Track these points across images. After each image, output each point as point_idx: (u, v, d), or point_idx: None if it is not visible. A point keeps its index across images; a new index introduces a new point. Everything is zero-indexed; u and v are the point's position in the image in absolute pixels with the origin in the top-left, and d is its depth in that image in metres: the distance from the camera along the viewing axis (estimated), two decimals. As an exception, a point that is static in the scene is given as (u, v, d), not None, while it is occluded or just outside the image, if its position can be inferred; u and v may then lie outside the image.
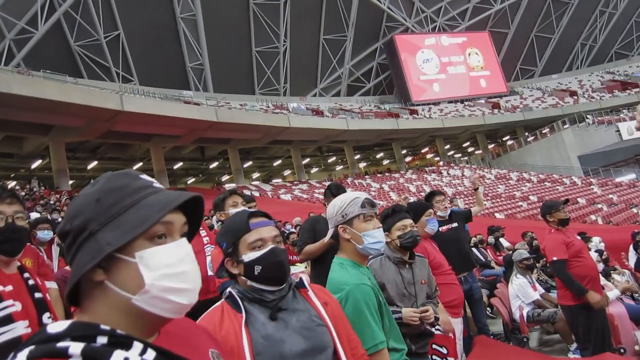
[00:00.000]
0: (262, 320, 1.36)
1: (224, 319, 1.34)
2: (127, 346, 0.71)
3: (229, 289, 1.43)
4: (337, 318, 1.48)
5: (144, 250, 0.76)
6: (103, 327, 0.71)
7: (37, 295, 1.84)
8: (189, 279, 0.79)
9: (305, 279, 1.54)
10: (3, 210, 1.82)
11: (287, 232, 8.79)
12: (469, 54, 42.94)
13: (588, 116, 32.16)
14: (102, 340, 0.70)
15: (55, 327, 0.69)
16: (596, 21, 46.76)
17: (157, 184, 0.85)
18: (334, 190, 3.56)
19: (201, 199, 0.86)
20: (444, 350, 3.09)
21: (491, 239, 9.98)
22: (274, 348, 1.31)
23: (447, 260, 3.56)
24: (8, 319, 1.67)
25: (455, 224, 4.63)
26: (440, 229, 4.38)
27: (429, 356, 3.19)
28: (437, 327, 3.10)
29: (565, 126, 32.31)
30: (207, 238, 3.32)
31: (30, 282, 1.86)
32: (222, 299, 1.43)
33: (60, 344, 0.66)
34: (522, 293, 5.20)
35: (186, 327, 0.95)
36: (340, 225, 1.96)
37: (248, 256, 1.41)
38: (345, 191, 3.63)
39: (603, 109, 34.57)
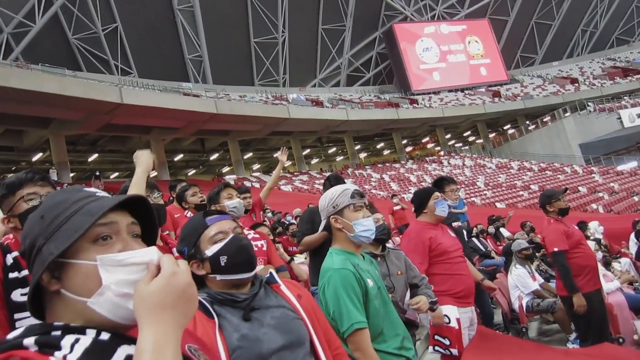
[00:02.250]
0: (236, 322, 1.34)
1: (196, 327, 1.29)
2: (81, 332, 0.74)
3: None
4: (311, 310, 1.48)
5: (94, 254, 0.77)
6: (56, 323, 0.75)
7: None
8: None
9: (275, 274, 1.54)
10: (36, 191, 1.79)
11: (287, 223, 8.80)
12: (469, 42, 42.69)
13: (589, 104, 32.03)
14: (56, 333, 0.73)
15: (13, 333, 0.73)
16: (597, 7, 46.39)
17: (100, 194, 0.85)
18: (333, 181, 3.59)
19: (143, 199, 0.86)
20: (447, 342, 3.10)
21: (491, 229, 9.99)
22: (251, 348, 1.29)
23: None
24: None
25: (458, 223, 4.64)
26: (453, 224, 4.34)
27: (432, 347, 3.21)
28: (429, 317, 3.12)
29: (566, 114, 32.20)
30: None
31: None
32: None
33: (15, 341, 0.70)
34: (521, 283, 5.21)
35: None
36: (332, 216, 2.06)
37: (211, 250, 1.40)
38: (344, 182, 3.65)
39: (604, 96, 34.45)
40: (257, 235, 3.28)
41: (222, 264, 1.38)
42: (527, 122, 36.87)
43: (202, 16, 31.98)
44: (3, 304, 1.65)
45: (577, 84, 39.52)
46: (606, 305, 4.11)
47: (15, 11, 25.69)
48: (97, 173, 19.56)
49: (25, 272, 1.71)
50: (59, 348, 0.70)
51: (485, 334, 3.88)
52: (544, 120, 34.21)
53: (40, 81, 17.31)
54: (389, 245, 3.16)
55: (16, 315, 1.64)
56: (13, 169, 25.27)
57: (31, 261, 0.80)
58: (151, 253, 0.81)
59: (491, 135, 40.57)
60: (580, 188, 22.69)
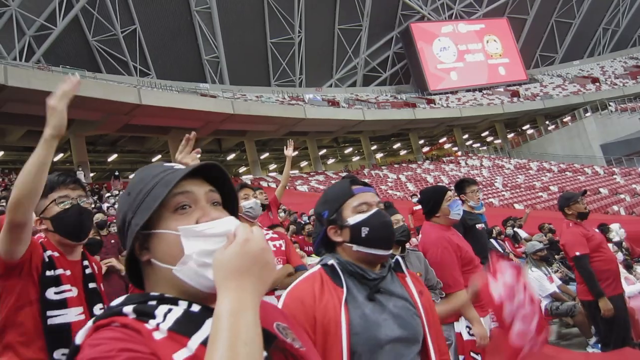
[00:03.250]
0: (361, 299, 1.33)
1: (324, 290, 1.31)
2: (174, 303, 0.79)
3: (329, 260, 1.40)
4: (429, 310, 1.44)
5: (176, 224, 0.82)
6: (153, 294, 0.81)
7: (91, 285, 1.86)
8: None
9: (402, 262, 1.50)
10: (68, 194, 1.84)
11: (303, 223, 8.81)
12: (487, 41, 42.24)
13: (611, 103, 31.42)
14: (152, 302, 0.78)
15: (116, 300, 0.80)
16: (618, 5, 45.49)
17: (178, 166, 0.89)
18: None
19: (217, 166, 0.89)
20: (479, 358, 2.98)
21: (509, 230, 9.85)
22: (370, 330, 1.28)
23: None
24: (62, 304, 1.71)
25: (482, 225, 4.49)
26: (477, 226, 4.25)
27: None
28: (471, 332, 2.97)
29: (587, 114, 31.64)
30: None
31: (88, 270, 1.89)
32: (318, 266, 1.41)
33: (117, 308, 0.77)
34: (538, 286, 5.12)
35: None
36: None
37: (354, 219, 1.39)
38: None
39: (626, 96, 33.76)
40: (275, 235, 3.27)
41: (363, 235, 1.37)
42: (547, 122, 36.34)
43: (219, 17, 32.20)
44: (38, 298, 1.68)
45: (598, 84, 38.83)
46: (628, 310, 4.04)
47: (37, 14, 26.18)
48: (117, 173, 20.00)
49: (58, 271, 1.75)
50: (153, 317, 0.75)
51: (502, 336, 3.83)
52: (564, 120, 33.68)
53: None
54: (408, 246, 3.10)
55: (48, 313, 1.68)
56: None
57: (124, 235, 0.87)
58: (230, 223, 0.83)
59: (510, 136, 40.07)
60: (601, 189, 22.28)
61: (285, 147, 4.74)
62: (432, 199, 3.05)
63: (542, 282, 5.14)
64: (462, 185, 3.88)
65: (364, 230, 1.37)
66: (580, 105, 33.60)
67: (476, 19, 43.09)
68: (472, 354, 2.91)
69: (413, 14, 40.47)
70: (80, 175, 20.00)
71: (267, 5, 33.90)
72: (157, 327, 0.74)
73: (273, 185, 24.59)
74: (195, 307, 0.79)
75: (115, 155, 28.38)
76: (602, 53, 48.08)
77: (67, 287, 1.74)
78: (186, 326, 0.75)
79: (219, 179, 0.91)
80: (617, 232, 8.14)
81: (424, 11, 40.71)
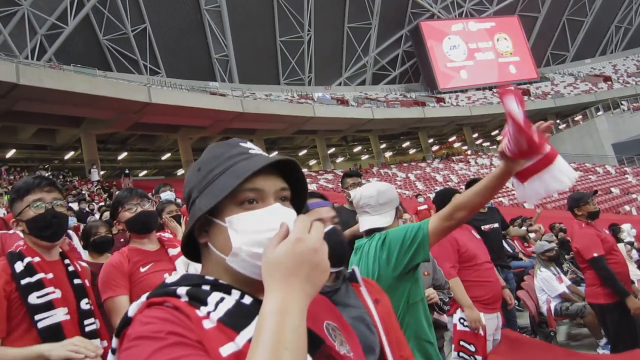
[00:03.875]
0: None
1: None
2: (227, 292, 0.78)
3: None
4: (386, 317, 1.43)
5: (233, 215, 0.80)
6: (208, 277, 0.81)
7: (76, 281, 1.90)
8: None
9: (358, 272, 1.48)
10: (43, 197, 1.85)
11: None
12: (498, 40, 41.95)
13: (623, 102, 31.11)
14: (205, 287, 0.78)
15: (170, 278, 0.81)
16: (631, 3, 44.92)
17: (254, 150, 0.88)
18: (349, 172, 3.72)
19: (294, 163, 0.86)
20: (472, 348, 3.05)
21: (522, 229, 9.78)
22: None
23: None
24: (49, 305, 1.74)
25: (495, 225, 4.55)
26: (482, 227, 4.29)
27: (456, 353, 3.17)
28: (465, 324, 3.09)
29: (598, 113, 31.36)
30: None
31: (70, 268, 1.92)
32: None
33: (171, 288, 0.77)
34: (547, 286, 5.09)
35: None
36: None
37: None
38: (358, 172, 3.71)
39: (639, 95, 33.39)
40: None
41: None
42: (558, 121, 36.03)
43: (229, 16, 32.27)
44: (23, 306, 1.72)
45: (610, 82, 38.43)
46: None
47: (49, 13, 26.42)
48: (127, 171, 20.12)
49: (37, 276, 1.77)
50: (205, 303, 0.75)
51: (512, 337, 3.81)
52: (576, 119, 33.38)
53: (73, 81, 17.77)
54: None
55: (36, 317, 1.71)
56: (46, 166, 26.02)
57: (189, 209, 0.87)
58: (279, 212, 0.81)
59: (520, 135, 39.70)
60: (612, 189, 22.07)
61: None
62: (441, 199, 3.26)
63: (551, 283, 5.10)
64: (470, 186, 3.91)
65: None
66: (591, 104, 33.30)
67: (487, 17, 42.80)
68: (462, 342, 3.03)
69: (423, 12, 40.29)
70: (94, 173, 20.20)
71: (277, 4, 33.91)
72: (207, 316, 0.73)
73: (282, 183, 24.65)
74: (247, 299, 0.79)
75: (125, 154, 28.57)
76: (615, 51, 47.56)
77: (50, 289, 1.76)
78: (236, 319, 0.74)
79: (293, 173, 0.89)
80: (628, 232, 8.07)
81: (434, 9, 40.51)
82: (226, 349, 0.71)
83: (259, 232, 0.78)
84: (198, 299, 0.75)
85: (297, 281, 0.69)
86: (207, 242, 0.84)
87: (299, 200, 0.91)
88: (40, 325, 1.71)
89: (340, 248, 1.38)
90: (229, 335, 0.72)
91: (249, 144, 0.90)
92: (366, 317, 1.36)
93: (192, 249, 0.89)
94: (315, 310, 0.90)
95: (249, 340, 0.70)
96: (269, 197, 0.83)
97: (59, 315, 1.75)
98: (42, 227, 1.83)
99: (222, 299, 0.76)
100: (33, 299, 1.73)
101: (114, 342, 0.75)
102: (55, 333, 1.72)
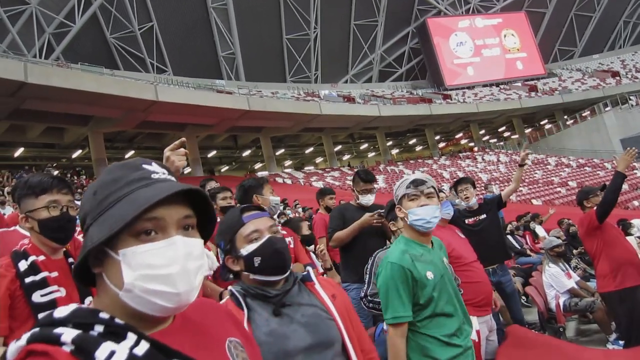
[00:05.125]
0: (266, 316, 1.34)
1: None
2: (121, 337, 0.71)
3: (230, 288, 1.43)
4: (344, 311, 1.46)
5: (127, 248, 0.74)
6: (102, 315, 0.72)
7: None
8: (174, 281, 0.74)
9: (312, 272, 1.52)
10: (59, 200, 1.86)
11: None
12: (505, 36, 41.71)
13: (631, 97, 30.81)
14: (99, 328, 0.70)
15: (61, 311, 0.72)
16: (641, -3, 44.58)
17: (158, 174, 0.81)
18: (363, 176, 3.58)
19: (198, 191, 0.80)
20: None
21: (533, 225, 9.76)
22: (278, 344, 1.29)
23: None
24: (52, 304, 1.73)
25: (483, 216, 4.36)
26: (466, 221, 4.22)
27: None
28: None
29: (606, 108, 31.10)
30: None
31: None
32: (226, 298, 1.42)
33: (57, 330, 0.68)
34: (555, 282, 5.06)
35: (208, 310, 0.94)
36: (396, 206, 2.16)
37: (246, 249, 1.40)
38: (372, 176, 3.62)
39: (647, 90, 33.09)
40: (284, 232, 3.28)
41: (256, 264, 1.38)
42: (565, 117, 35.79)
43: (235, 14, 32.31)
44: (27, 305, 1.72)
45: (618, 77, 38.09)
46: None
47: (56, 12, 26.57)
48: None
49: (42, 275, 1.78)
50: (92, 358, 0.67)
51: (520, 334, 3.79)
52: (583, 114, 33.12)
53: (80, 80, 17.85)
54: None
55: (40, 315, 1.71)
56: (54, 165, 26.20)
57: (83, 235, 0.80)
58: (177, 244, 0.77)
59: (527, 131, 39.54)
60: (621, 185, 21.89)
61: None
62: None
63: (560, 278, 5.07)
64: (455, 187, 4.00)
65: (257, 260, 1.38)
66: (599, 99, 33.03)
67: (494, 13, 42.57)
68: None
69: (429, 9, 40.14)
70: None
71: (283, 1, 33.91)
72: None
73: (288, 181, 24.68)
74: (142, 347, 0.71)
75: (132, 152, 28.68)
76: (623, 46, 47.16)
77: (54, 287, 1.76)
78: None
79: (199, 201, 0.83)
80: (638, 227, 7.99)
81: (441, 6, 40.33)
82: None
83: (154, 267, 0.73)
84: (84, 351, 0.67)
85: None
86: (101, 272, 0.77)
87: (206, 226, 0.86)
88: None
89: (276, 257, 1.39)
90: None
91: (153, 166, 0.83)
92: (322, 313, 1.39)
93: (87, 275, 0.80)
94: (217, 328, 0.90)
95: None
96: (169, 227, 0.77)
97: None
98: (56, 229, 1.84)
99: (112, 354, 0.67)
100: (37, 297, 1.73)
101: None
102: None
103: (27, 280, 1.75)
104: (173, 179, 0.82)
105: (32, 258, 1.80)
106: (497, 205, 4.45)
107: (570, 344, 4.52)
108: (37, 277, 1.76)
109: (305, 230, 5.00)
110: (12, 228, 2.97)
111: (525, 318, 5.39)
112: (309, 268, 1.53)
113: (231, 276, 1.48)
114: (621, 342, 4.09)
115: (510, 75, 40.74)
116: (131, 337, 0.71)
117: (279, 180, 25.61)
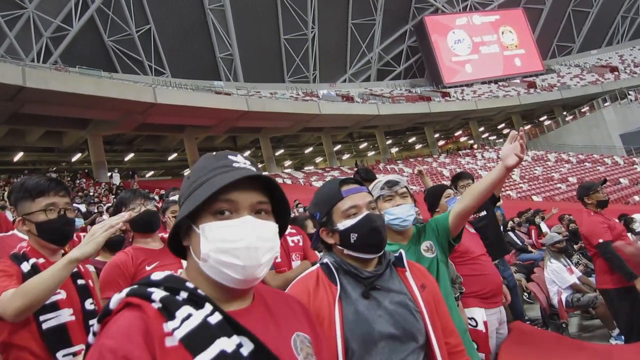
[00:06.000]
0: (355, 296, 1.33)
1: (319, 287, 1.33)
2: (200, 306, 0.82)
3: (324, 259, 1.42)
4: (432, 302, 1.41)
5: (206, 223, 0.87)
6: (188, 284, 0.85)
7: (80, 282, 1.90)
8: (241, 255, 0.85)
9: (404, 256, 1.48)
10: (56, 202, 1.86)
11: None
12: (503, 33, 41.71)
13: (630, 92, 30.80)
14: (183, 294, 0.83)
15: (157, 275, 0.87)
16: (638, -8, 44.57)
17: (239, 164, 0.92)
18: (364, 175, 3.55)
19: (267, 178, 0.92)
20: (474, 345, 3.01)
21: (538, 219, 9.76)
22: (363, 327, 1.28)
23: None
24: (54, 306, 1.74)
25: (483, 212, 4.38)
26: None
27: None
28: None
29: (605, 104, 31.08)
30: None
31: (74, 269, 1.91)
32: (317, 265, 1.42)
33: (150, 289, 0.82)
34: (557, 278, 5.05)
35: (285, 302, 1.03)
36: None
37: (343, 224, 1.38)
38: (374, 175, 3.60)
39: (646, 85, 33.08)
40: (293, 231, 3.28)
41: (352, 240, 1.37)
42: (564, 113, 35.77)
43: (233, 15, 32.30)
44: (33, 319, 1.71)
45: (617, 73, 38.10)
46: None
47: (54, 16, 26.55)
48: (131, 172, 20.16)
49: None
50: (172, 317, 0.79)
51: (523, 330, 3.78)
52: (582, 110, 33.12)
53: (78, 83, 17.84)
54: None
55: (42, 317, 1.71)
56: (54, 169, 26.20)
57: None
58: (247, 223, 0.87)
59: (527, 127, 39.54)
60: (621, 180, 21.90)
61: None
62: (432, 196, 3.29)
63: (562, 274, 5.06)
64: (455, 181, 3.99)
65: (353, 237, 1.37)
66: (598, 95, 33.02)
67: (491, 10, 42.58)
68: None
69: (427, 7, 40.12)
70: (116, 177, 20.30)
71: (281, 2, 33.90)
72: (171, 332, 0.78)
73: (288, 181, 24.67)
74: (215, 317, 0.82)
75: (132, 155, 28.66)
76: (621, 41, 47.16)
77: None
78: (195, 342, 0.78)
79: (273, 189, 0.95)
80: None
81: (438, 3, 40.33)
82: None
83: (226, 241, 0.85)
84: (168, 310, 0.80)
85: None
86: (188, 245, 0.91)
87: (282, 212, 0.98)
88: (45, 326, 1.70)
89: (373, 234, 1.37)
90: (185, 358, 0.77)
91: (237, 157, 0.94)
92: (409, 302, 1.36)
93: (181, 248, 0.94)
94: (287, 320, 0.97)
95: None
96: (242, 209, 0.89)
97: (64, 315, 1.75)
98: (54, 232, 1.84)
99: (189, 316, 0.80)
100: None
101: (96, 326, 0.81)
102: (60, 334, 1.72)
103: None
104: (253, 168, 0.93)
105: (32, 260, 1.80)
106: (492, 201, 4.48)
107: (573, 339, 4.51)
108: None
109: (311, 229, 4.98)
110: (9, 232, 2.97)
111: (528, 314, 5.39)
112: (402, 251, 1.49)
113: (320, 245, 1.49)
114: (624, 338, 4.08)
115: (508, 72, 40.74)
116: (208, 307, 0.83)
117: (279, 180, 25.60)
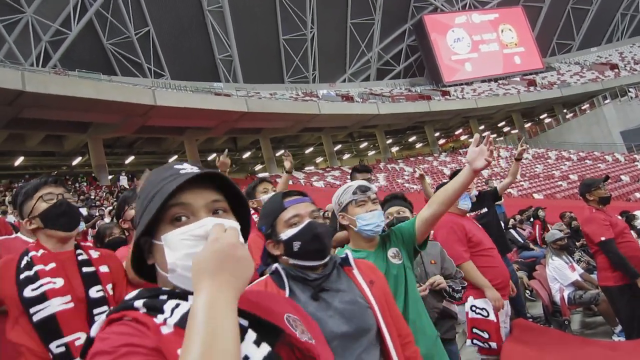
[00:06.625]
0: (304, 299, 1.35)
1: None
2: (184, 299, 0.81)
3: (275, 265, 1.44)
4: (382, 297, 1.45)
5: (166, 233, 0.83)
6: (164, 288, 0.84)
7: (86, 269, 1.92)
8: None
9: (350, 256, 1.51)
10: (52, 192, 1.93)
11: (320, 219, 8.78)
12: (502, 31, 41.69)
13: (630, 89, 30.75)
14: (163, 297, 0.82)
15: (128, 295, 0.84)
16: (637, -11, 44.52)
17: (185, 170, 0.87)
18: (359, 167, 3.62)
19: (218, 174, 0.88)
20: (485, 335, 3.04)
21: (542, 213, 9.71)
22: None
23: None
24: (41, 298, 1.76)
25: (484, 209, 4.45)
26: (467, 214, 4.23)
27: (470, 340, 3.15)
28: (477, 311, 3.06)
29: (606, 101, 31.06)
30: None
31: (81, 257, 1.95)
32: (267, 274, 1.44)
33: (129, 303, 0.80)
34: (559, 275, 5.04)
35: (268, 296, 1.04)
36: (339, 213, 2.09)
37: (286, 234, 1.41)
38: (370, 171, 3.64)
39: (646, 82, 33.04)
40: None
41: (295, 249, 1.39)
42: (565, 110, 35.74)
43: (231, 16, 32.31)
44: (18, 300, 1.77)
45: (617, 70, 38.05)
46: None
47: (52, 19, 26.57)
48: (130, 175, 20.14)
49: (35, 268, 1.82)
50: (162, 311, 0.78)
51: (525, 326, 3.77)
52: (583, 108, 33.07)
53: (78, 87, 17.85)
54: None
55: (31, 310, 1.74)
56: (54, 173, 26.22)
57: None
58: (206, 224, 0.83)
59: (527, 125, 39.50)
60: (622, 177, 21.86)
61: (285, 156, 4.28)
62: None
63: (564, 271, 5.05)
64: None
65: (296, 245, 1.39)
66: (598, 92, 32.98)
67: (490, 8, 42.55)
68: (475, 330, 3.05)
69: (426, 6, 40.11)
70: (124, 180, 20.32)
71: (279, 2, 33.90)
72: (164, 322, 0.77)
73: (289, 182, 24.58)
74: None
75: (132, 157, 28.68)
76: (621, 39, 47.11)
77: (45, 280, 1.79)
78: None
79: (224, 184, 0.91)
80: (642, 219, 7.97)
81: (437, 2, 40.31)
82: None
83: (190, 246, 0.81)
84: (154, 309, 0.79)
85: (222, 277, 0.72)
86: (153, 262, 0.88)
87: (240, 210, 0.93)
88: (35, 318, 1.73)
89: (316, 241, 1.39)
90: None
91: (183, 165, 0.90)
92: (359, 299, 1.39)
93: (147, 270, 0.91)
94: (274, 306, 0.97)
95: None
96: (198, 211, 0.85)
97: (54, 305, 1.77)
98: (58, 216, 1.89)
99: (177, 305, 0.79)
100: (28, 292, 1.77)
101: None
102: (49, 325, 1.74)
103: (22, 276, 1.80)
104: (198, 170, 0.88)
105: (31, 254, 1.86)
106: (493, 198, 4.56)
107: (575, 336, 4.50)
108: (31, 272, 1.80)
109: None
110: (13, 235, 2.99)
111: (530, 312, 5.38)
112: (348, 252, 1.52)
113: (269, 260, 1.49)
114: (625, 335, 4.07)
115: (508, 70, 40.72)
116: (192, 298, 0.78)
117: (280, 181, 25.56)
